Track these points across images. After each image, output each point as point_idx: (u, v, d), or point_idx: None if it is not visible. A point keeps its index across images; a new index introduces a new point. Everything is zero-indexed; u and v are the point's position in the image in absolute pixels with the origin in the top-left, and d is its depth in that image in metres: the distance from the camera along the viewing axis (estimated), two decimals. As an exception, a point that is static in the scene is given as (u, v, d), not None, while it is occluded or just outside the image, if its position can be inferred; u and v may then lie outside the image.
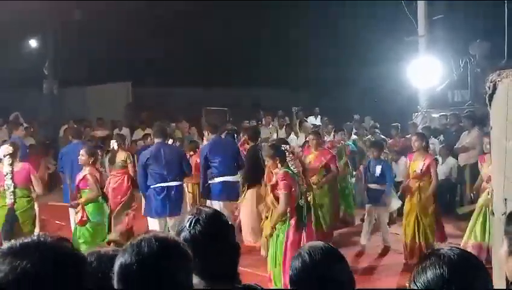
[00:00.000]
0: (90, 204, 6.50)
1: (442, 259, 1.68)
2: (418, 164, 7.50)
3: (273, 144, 6.14)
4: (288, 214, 5.52)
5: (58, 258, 1.37)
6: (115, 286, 1.68)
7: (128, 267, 1.66)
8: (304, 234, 5.59)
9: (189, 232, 2.03)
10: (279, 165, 5.60)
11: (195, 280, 1.90)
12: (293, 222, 5.52)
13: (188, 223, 2.05)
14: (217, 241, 2.05)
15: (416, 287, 1.68)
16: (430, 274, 1.67)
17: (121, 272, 1.67)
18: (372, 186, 8.20)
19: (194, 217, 2.07)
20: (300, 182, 5.74)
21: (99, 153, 7.52)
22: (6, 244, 1.38)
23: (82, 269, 1.42)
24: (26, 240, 1.39)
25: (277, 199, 5.55)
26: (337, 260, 2.19)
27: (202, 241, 2.01)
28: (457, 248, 1.77)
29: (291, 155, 5.77)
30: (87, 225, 6.46)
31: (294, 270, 2.16)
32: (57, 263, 1.35)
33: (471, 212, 7.32)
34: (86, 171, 6.57)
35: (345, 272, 2.18)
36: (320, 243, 2.26)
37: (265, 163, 5.91)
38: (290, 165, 5.63)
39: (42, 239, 1.39)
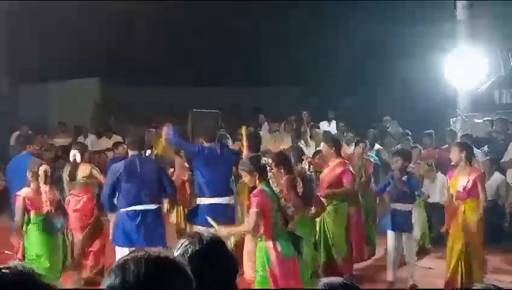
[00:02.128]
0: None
1: None
2: (460, 181, 7.50)
3: (252, 157, 6.21)
4: (263, 241, 5.69)
5: None
6: None
7: None
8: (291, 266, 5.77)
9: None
10: (257, 182, 5.76)
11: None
12: (273, 253, 5.66)
13: (181, 251, 2.12)
14: (215, 274, 2.11)
15: None
16: None
17: None
18: (397, 206, 8.17)
19: (189, 243, 2.13)
20: (284, 204, 5.93)
21: (51, 168, 7.46)
22: None
23: None
24: None
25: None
26: None
27: (196, 273, 2.02)
28: (495, 287, 1.79)
29: (273, 171, 5.83)
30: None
31: None
32: None
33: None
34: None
35: None
36: (338, 280, 2.28)
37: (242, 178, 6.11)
38: (270, 183, 5.82)
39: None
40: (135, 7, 17.33)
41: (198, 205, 7.71)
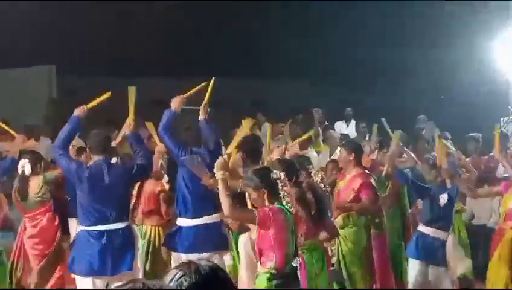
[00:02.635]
0: None
1: None
2: None
3: (258, 169, 6.13)
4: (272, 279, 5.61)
5: None
6: None
7: None
8: None
9: None
10: (266, 202, 5.71)
11: None
12: None
13: (169, 281, 2.18)
14: None
15: None
16: None
17: None
18: (428, 231, 8.12)
19: (180, 272, 2.20)
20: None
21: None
22: None
23: None
24: None
25: (261, 252, 5.75)
26: None
27: None
28: None
29: (285, 188, 5.78)
30: None
31: None
32: None
33: None
34: None
35: None
36: None
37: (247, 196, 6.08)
38: (283, 202, 5.72)
39: None
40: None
41: (180, 227, 7.72)
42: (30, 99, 16.54)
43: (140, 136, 7.87)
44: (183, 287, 2.14)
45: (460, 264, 9.69)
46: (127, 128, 7.45)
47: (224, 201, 5.80)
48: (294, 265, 5.69)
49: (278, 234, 5.59)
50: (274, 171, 5.89)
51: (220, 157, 6.27)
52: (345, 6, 18.34)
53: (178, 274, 2.19)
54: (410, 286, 8.32)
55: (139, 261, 7.35)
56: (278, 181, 5.75)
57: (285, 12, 19.56)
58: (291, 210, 5.77)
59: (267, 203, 5.70)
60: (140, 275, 7.26)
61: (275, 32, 19.17)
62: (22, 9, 16.71)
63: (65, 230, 8.87)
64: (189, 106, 9.14)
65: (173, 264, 7.57)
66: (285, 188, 5.80)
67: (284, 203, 5.72)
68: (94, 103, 7.50)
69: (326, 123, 14.27)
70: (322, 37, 19.03)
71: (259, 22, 19.29)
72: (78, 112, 7.23)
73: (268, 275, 5.62)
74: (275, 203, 5.69)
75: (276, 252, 5.61)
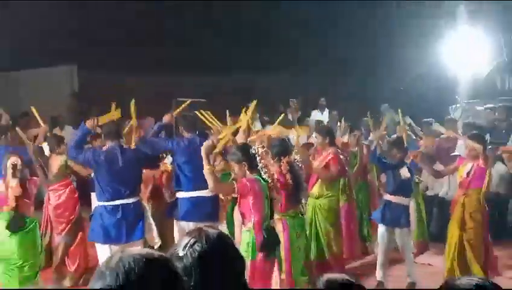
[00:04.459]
0: None
1: None
2: (465, 168, 7.58)
3: (240, 145, 6.26)
4: (252, 236, 5.73)
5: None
6: None
7: None
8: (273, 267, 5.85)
9: (183, 259, 2.09)
10: (247, 173, 5.85)
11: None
12: (259, 249, 5.74)
13: (183, 247, 2.12)
14: (220, 271, 2.13)
15: None
16: None
17: None
18: (392, 198, 8.16)
19: (192, 239, 2.14)
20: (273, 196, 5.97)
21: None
22: None
23: None
24: None
25: (243, 214, 5.90)
26: None
27: (200, 270, 2.07)
28: (480, 279, 1.83)
29: (262, 161, 5.91)
30: None
31: None
32: None
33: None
34: None
35: None
36: (340, 276, 2.35)
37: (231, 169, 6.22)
38: (261, 173, 5.89)
39: None
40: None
41: (177, 198, 7.69)
42: (56, 94, 16.44)
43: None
44: (196, 252, 2.10)
45: (417, 229, 9.71)
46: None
47: (209, 178, 5.93)
48: (270, 226, 5.84)
49: (254, 200, 5.74)
50: (253, 147, 6.05)
51: (207, 141, 6.41)
52: (316, 11, 18.35)
53: (191, 241, 2.15)
54: (378, 246, 8.35)
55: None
56: (256, 155, 5.89)
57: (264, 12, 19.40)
58: (268, 180, 5.87)
59: (247, 174, 5.81)
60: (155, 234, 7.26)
61: (260, 36, 19.09)
62: (50, 18, 16.62)
63: (87, 202, 8.85)
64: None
65: (175, 232, 7.56)
66: (262, 161, 5.93)
67: (263, 174, 5.87)
68: (104, 118, 7.38)
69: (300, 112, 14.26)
70: (299, 33, 18.97)
71: (246, 26, 19.27)
72: (88, 124, 7.13)
73: (249, 232, 5.79)
74: (253, 174, 5.81)
75: (254, 215, 5.75)
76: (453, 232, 7.61)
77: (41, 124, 8.78)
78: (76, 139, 7.20)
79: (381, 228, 8.19)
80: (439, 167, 9.43)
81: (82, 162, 7.44)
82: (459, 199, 7.59)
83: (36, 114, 8.63)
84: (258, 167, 5.91)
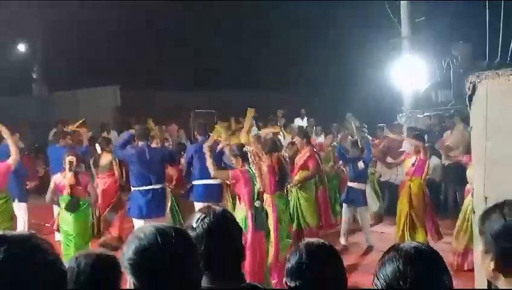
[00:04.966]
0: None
1: (399, 253, 1.74)
2: (410, 160, 7.67)
3: (237, 145, 6.26)
4: (244, 213, 5.75)
5: (24, 252, 1.30)
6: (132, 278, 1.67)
7: (147, 253, 1.66)
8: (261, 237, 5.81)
9: (196, 229, 2.05)
10: (240, 165, 5.96)
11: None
12: (250, 223, 5.72)
13: (196, 220, 2.07)
14: (224, 239, 2.07)
15: (378, 282, 1.74)
16: (388, 268, 1.73)
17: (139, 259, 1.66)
18: (353, 184, 8.17)
19: (203, 214, 2.10)
20: (259, 185, 5.91)
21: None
22: None
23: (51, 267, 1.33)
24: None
25: (238, 196, 5.97)
26: (333, 256, 2.23)
27: (208, 238, 2.03)
28: (419, 243, 1.81)
29: (252, 158, 5.95)
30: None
31: (292, 267, 2.17)
32: (20, 257, 1.28)
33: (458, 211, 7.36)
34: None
35: (341, 268, 2.22)
36: (317, 240, 2.30)
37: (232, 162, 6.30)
38: (251, 165, 5.93)
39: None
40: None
41: (193, 185, 7.70)
42: (104, 107, 16.43)
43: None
44: (206, 224, 2.06)
45: (374, 206, 9.76)
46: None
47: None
48: (257, 205, 5.79)
49: (245, 185, 5.77)
50: (246, 146, 6.09)
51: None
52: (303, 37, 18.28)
53: (202, 215, 2.10)
54: (343, 220, 8.37)
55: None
56: (248, 153, 5.94)
57: (264, 49, 19.37)
58: (255, 172, 5.87)
59: (241, 165, 5.91)
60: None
61: (260, 61, 19.05)
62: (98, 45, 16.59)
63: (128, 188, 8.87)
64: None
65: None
66: (252, 157, 5.96)
67: (252, 167, 5.89)
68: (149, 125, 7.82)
69: (285, 120, 14.29)
70: (288, 58, 18.85)
71: (249, 53, 19.23)
72: (133, 130, 7.30)
73: (241, 210, 5.83)
74: (245, 166, 5.88)
75: (245, 195, 5.78)
76: (401, 208, 7.67)
77: (85, 129, 8.98)
78: (121, 140, 7.24)
79: (344, 206, 8.27)
80: (389, 160, 9.47)
81: (122, 157, 7.46)
82: (406, 183, 7.68)
83: (78, 123, 8.80)
84: (250, 161, 5.93)
